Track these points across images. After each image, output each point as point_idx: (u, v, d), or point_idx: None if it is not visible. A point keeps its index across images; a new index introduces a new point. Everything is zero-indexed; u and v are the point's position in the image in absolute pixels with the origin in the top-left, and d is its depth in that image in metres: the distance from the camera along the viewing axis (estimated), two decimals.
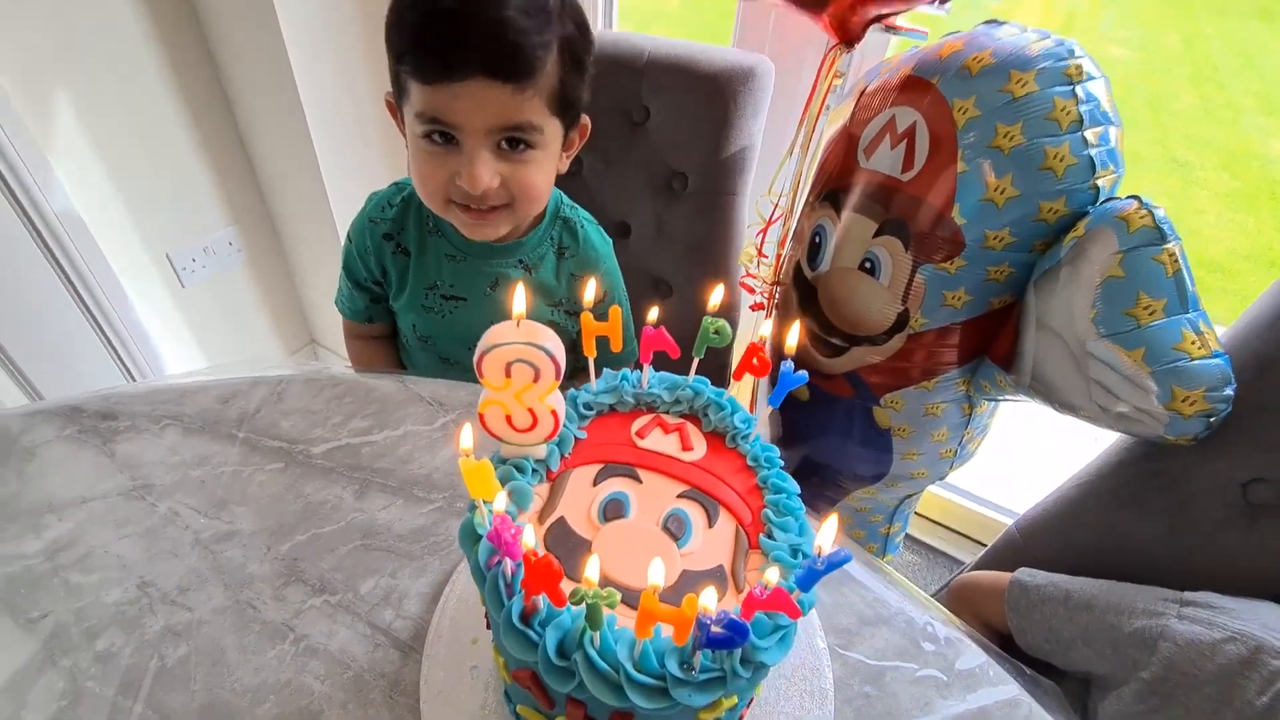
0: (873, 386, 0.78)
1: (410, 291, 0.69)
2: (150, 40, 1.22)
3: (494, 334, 0.31)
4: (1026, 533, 0.74)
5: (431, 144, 0.55)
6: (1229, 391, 0.51)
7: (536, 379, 0.31)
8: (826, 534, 0.27)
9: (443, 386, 0.64)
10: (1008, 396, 0.71)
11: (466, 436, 0.29)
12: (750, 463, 0.40)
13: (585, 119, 0.63)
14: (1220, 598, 0.51)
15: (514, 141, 0.55)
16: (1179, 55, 3.27)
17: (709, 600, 0.24)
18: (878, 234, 0.68)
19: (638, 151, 0.86)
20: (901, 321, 0.71)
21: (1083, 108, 0.56)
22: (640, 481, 0.38)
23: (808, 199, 0.80)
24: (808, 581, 0.27)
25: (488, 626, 0.39)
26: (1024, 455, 1.32)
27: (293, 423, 0.60)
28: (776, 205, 0.86)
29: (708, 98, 0.79)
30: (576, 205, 0.72)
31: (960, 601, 0.70)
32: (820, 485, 0.94)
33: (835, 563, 0.26)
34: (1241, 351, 0.55)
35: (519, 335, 0.30)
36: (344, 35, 1.25)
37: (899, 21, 0.71)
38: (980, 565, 0.78)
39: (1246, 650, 0.47)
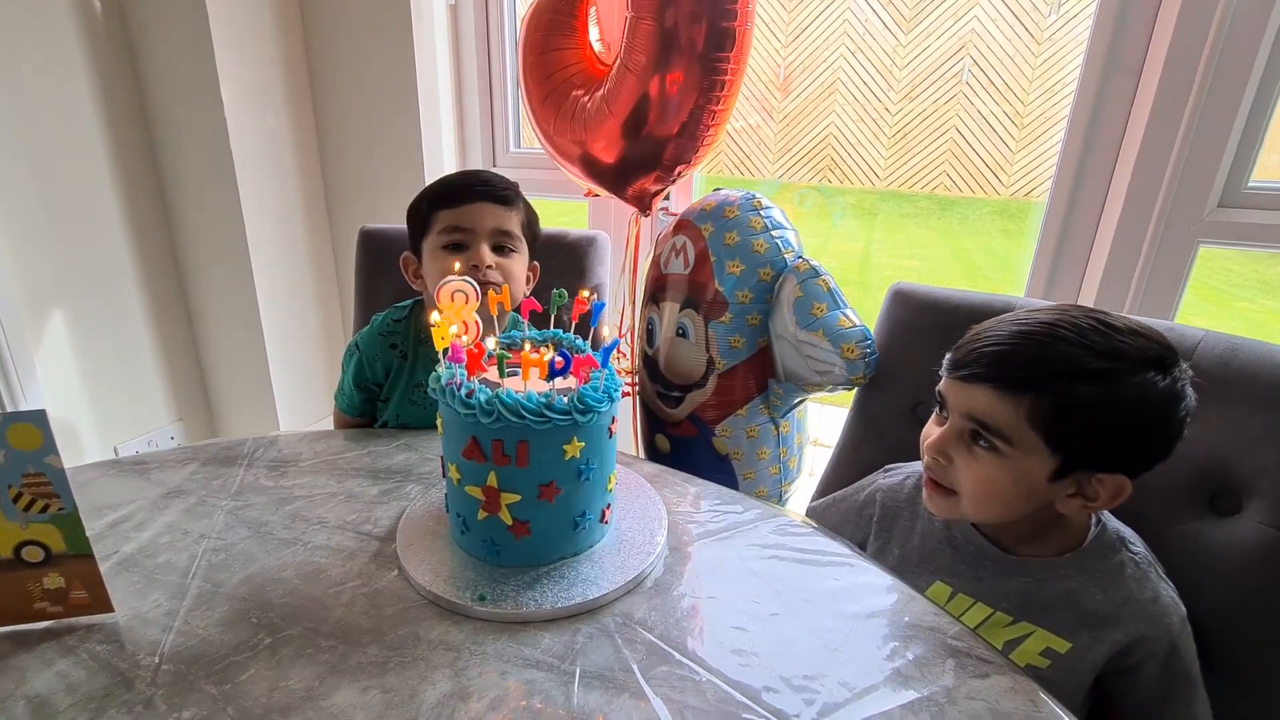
0: (707, 421, 1.10)
1: (402, 388, 0.95)
2: (128, 255, 1.55)
3: (445, 279, 0.63)
4: (814, 512, 1.02)
5: (449, 252, 0.88)
6: (870, 343, 0.89)
7: (467, 300, 0.62)
8: (607, 329, 0.58)
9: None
10: (788, 402, 1.06)
11: (434, 317, 0.59)
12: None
13: (535, 264, 0.99)
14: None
15: (501, 248, 0.90)
16: (948, 260, 4.53)
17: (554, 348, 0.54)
18: (682, 310, 1.07)
19: None
20: (711, 366, 1.07)
21: (766, 220, 1.01)
22: None
23: (642, 304, 1.19)
24: (605, 354, 0.57)
25: (443, 474, 0.63)
26: None
27: (283, 453, 0.83)
28: (623, 318, 1.25)
29: (575, 258, 1.22)
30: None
31: None
32: None
33: (608, 348, 0.57)
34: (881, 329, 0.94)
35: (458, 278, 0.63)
36: (295, 251, 1.64)
37: (665, 205, 1.20)
38: None
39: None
